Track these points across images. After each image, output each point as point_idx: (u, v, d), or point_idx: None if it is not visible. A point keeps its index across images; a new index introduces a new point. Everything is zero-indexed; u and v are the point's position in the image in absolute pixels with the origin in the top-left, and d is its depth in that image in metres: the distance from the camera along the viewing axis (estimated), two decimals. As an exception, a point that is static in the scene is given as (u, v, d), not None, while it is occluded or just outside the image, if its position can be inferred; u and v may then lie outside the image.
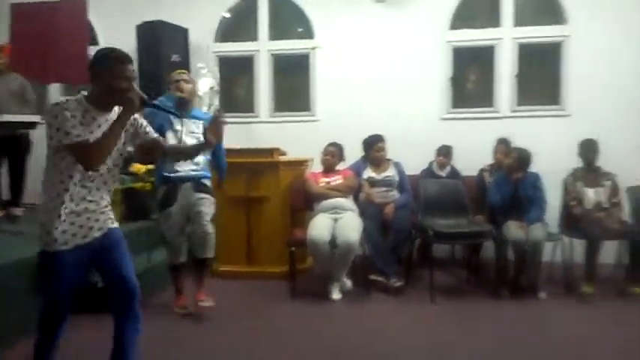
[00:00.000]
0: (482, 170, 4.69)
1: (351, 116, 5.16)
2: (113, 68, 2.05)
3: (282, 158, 4.60)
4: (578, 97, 4.96)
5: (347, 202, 4.10)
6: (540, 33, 5.09)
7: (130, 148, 2.27)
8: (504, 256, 3.97)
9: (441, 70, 5.24)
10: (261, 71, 5.60)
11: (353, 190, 4.23)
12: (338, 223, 3.91)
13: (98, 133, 2.05)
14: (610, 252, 4.16)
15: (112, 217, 2.23)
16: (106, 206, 2.19)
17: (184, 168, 3.41)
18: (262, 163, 4.48)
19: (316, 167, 4.52)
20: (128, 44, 5.17)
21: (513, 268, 3.97)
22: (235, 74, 5.84)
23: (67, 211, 2.05)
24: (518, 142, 4.43)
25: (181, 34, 5.36)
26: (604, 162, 4.21)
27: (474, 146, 4.85)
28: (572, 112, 4.98)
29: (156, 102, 2.30)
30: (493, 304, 3.77)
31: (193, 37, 5.42)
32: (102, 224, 2.16)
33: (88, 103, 2.07)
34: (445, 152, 4.79)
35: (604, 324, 3.40)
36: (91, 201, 2.11)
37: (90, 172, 2.06)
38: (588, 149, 4.17)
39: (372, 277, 4.06)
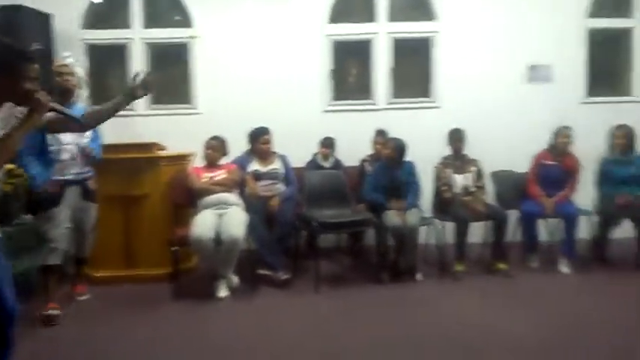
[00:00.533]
0: (363, 161, 4.87)
1: (234, 109, 5.08)
2: (19, 68, 1.81)
3: (162, 153, 4.40)
4: (446, 89, 5.32)
5: (231, 196, 4.04)
6: (413, 28, 5.37)
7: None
8: (384, 242, 4.16)
9: (321, 63, 5.32)
10: (135, 61, 5.28)
11: (237, 185, 4.17)
12: (222, 219, 3.83)
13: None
14: (478, 232, 4.54)
15: None
16: None
17: (71, 171, 3.40)
18: (141, 159, 4.23)
19: (199, 162, 4.39)
20: (-21, 30, 4.63)
21: (393, 253, 4.19)
22: (108, 64, 5.46)
23: None
24: (394, 132, 4.67)
25: (44, 19, 4.87)
26: (470, 149, 4.57)
27: (355, 137, 5.02)
28: (441, 103, 5.33)
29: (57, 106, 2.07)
30: (375, 289, 3.94)
31: (58, 24, 4.95)
32: None
33: None
34: (328, 144, 4.90)
35: (474, 299, 3.72)
36: None
37: None
38: (456, 138, 4.50)
39: (260, 271, 4.06)
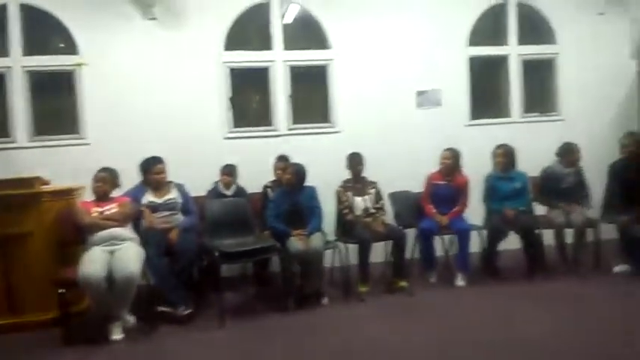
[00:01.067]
0: (265, 187, 4.84)
1: (128, 139, 4.88)
2: None
3: (46, 188, 4.06)
4: (344, 114, 5.48)
5: (124, 231, 3.79)
6: (308, 57, 5.50)
7: None
8: (289, 269, 4.13)
9: (220, 90, 5.27)
10: (15, 90, 4.90)
11: (130, 218, 3.94)
12: (115, 256, 3.59)
13: None
14: (380, 252, 4.66)
15: None
16: None
17: None
18: (21, 195, 3.87)
19: (88, 196, 4.10)
20: None
21: (298, 279, 4.16)
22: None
23: None
24: (296, 157, 4.70)
25: None
26: (369, 172, 4.71)
27: (257, 163, 4.99)
28: (340, 128, 5.47)
29: None
30: (280, 317, 3.88)
31: None
32: None
33: None
34: (229, 171, 4.81)
35: (378, 317, 3.79)
36: None
37: None
38: (354, 162, 4.62)
39: (159, 308, 3.84)
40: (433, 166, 4.78)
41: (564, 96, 5.88)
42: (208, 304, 4.07)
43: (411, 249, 4.62)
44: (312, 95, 5.73)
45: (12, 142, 4.89)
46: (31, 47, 4.97)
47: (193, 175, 4.62)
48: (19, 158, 4.78)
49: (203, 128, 5.17)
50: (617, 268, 4.51)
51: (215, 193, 4.75)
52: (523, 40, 5.84)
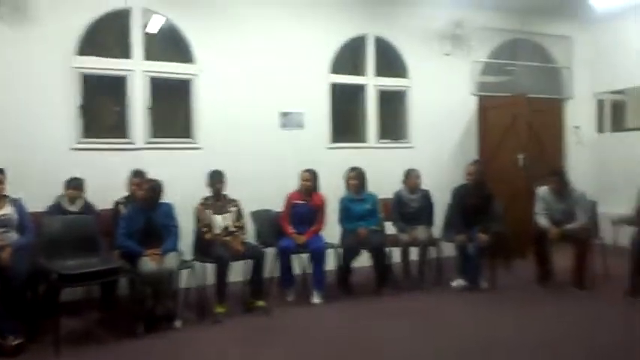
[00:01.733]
0: (117, 203, 4.54)
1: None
2: None
3: None
4: (208, 131, 5.36)
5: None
6: (170, 69, 5.32)
7: None
8: (139, 291, 3.89)
9: (68, 97, 4.85)
10: None
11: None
12: None
13: None
14: (239, 271, 4.59)
15: None
16: None
17: None
18: None
19: None
20: None
21: (150, 301, 3.94)
22: None
23: None
24: (153, 173, 4.49)
25: None
26: (230, 190, 4.66)
27: (109, 178, 4.68)
28: (203, 145, 5.35)
29: None
30: (128, 343, 3.63)
31: None
32: None
33: None
34: (75, 185, 4.40)
35: (233, 339, 3.73)
36: None
37: None
38: (215, 179, 4.55)
39: (-17, 339, 3.37)
40: (294, 186, 4.89)
41: (414, 125, 6.40)
42: (45, 332, 3.66)
43: (272, 267, 4.64)
44: (174, 109, 5.55)
45: None
46: None
47: (34, 188, 4.20)
48: None
49: (46, 138, 4.71)
50: (455, 283, 4.97)
51: (58, 209, 4.32)
52: (380, 72, 6.28)
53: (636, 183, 4.77)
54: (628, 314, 4.11)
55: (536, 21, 6.87)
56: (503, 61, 6.89)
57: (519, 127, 6.16)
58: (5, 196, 3.85)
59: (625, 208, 4.84)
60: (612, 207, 5.39)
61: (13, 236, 3.76)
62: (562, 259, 4.91)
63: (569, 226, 4.72)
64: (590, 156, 7.12)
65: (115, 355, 3.45)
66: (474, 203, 5.00)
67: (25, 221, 3.86)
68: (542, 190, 4.99)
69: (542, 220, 4.86)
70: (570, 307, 4.32)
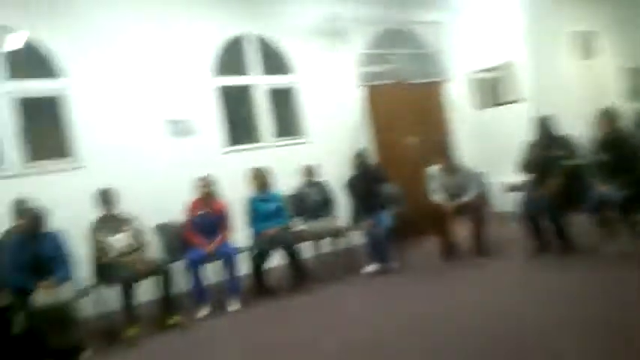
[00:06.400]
0: (4, 236, 4.07)
1: None
2: None
3: None
4: (90, 149, 4.98)
5: None
6: (37, 86, 4.90)
7: None
8: (36, 326, 3.52)
9: None
10: None
11: None
12: None
13: None
14: (148, 290, 4.32)
15: None
16: None
17: None
18: None
19: None
20: None
21: (50, 336, 3.57)
22: None
23: None
24: (35, 200, 4.10)
25: None
26: (126, 207, 4.40)
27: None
28: (86, 163, 4.95)
29: None
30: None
31: None
32: None
33: None
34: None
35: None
36: None
37: None
38: (104, 198, 4.29)
39: None
40: (193, 196, 4.72)
41: (308, 121, 6.46)
42: None
43: (184, 281, 4.44)
44: (49, 129, 5.10)
45: None
46: None
47: None
48: None
49: None
50: (367, 269, 5.07)
51: None
52: (268, 70, 6.26)
53: (516, 151, 5.11)
54: (529, 274, 4.39)
55: (410, 10, 7.23)
56: (383, 51, 7.16)
57: (404, 111, 6.47)
58: None
59: (511, 176, 5.22)
60: (499, 176, 5.81)
61: None
62: (462, 232, 5.20)
63: (462, 199, 5.02)
64: (471, 132, 7.64)
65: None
66: (367, 189, 5.15)
67: None
68: (432, 169, 5.27)
69: (437, 197, 5.12)
70: (474, 275, 4.57)
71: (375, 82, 6.94)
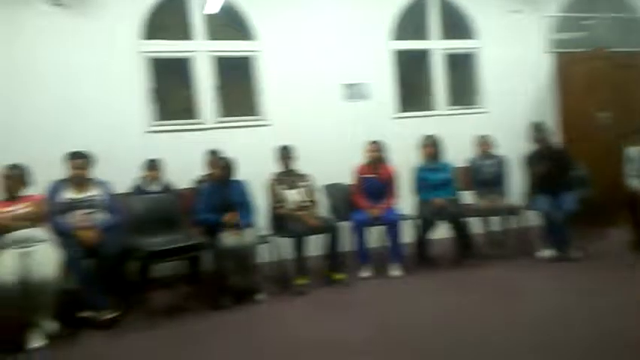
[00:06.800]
0: (197, 181, 4.62)
1: (43, 134, 4.46)
2: None
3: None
4: (274, 107, 5.35)
5: (38, 232, 3.46)
6: (233, 47, 5.33)
7: None
8: (222, 265, 3.96)
9: (139, 81, 4.97)
10: None
11: (44, 218, 3.60)
12: (29, 258, 3.26)
13: None
14: (316, 245, 4.56)
15: None
16: None
17: None
18: None
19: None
20: None
21: (232, 275, 4.00)
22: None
23: None
24: (223, 151, 4.54)
25: None
26: (302, 165, 4.64)
27: (184, 158, 4.79)
28: (270, 121, 5.35)
29: None
30: (216, 315, 3.70)
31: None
32: None
33: None
34: (153, 166, 4.54)
35: (315, 311, 3.73)
36: None
37: None
38: (284, 155, 4.55)
39: (81, 314, 3.54)
40: (361, 159, 4.78)
41: (485, 89, 6.11)
42: (138, 306, 3.81)
43: (348, 241, 4.59)
44: (240, 87, 5.55)
45: None
46: None
47: (113, 171, 4.30)
48: None
49: (123, 122, 4.85)
50: (542, 253, 4.70)
51: (138, 189, 4.48)
52: (445, 34, 6.01)
53: None
54: None
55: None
56: (578, 14, 6.41)
57: (599, 83, 5.75)
58: (91, 178, 4.00)
59: None
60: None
61: (101, 217, 3.91)
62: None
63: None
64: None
65: (203, 326, 3.52)
66: (549, 168, 4.70)
67: (112, 202, 4.01)
68: (633, 151, 4.63)
69: (635, 182, 4.52)
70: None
71: (568, 50, 6.26)
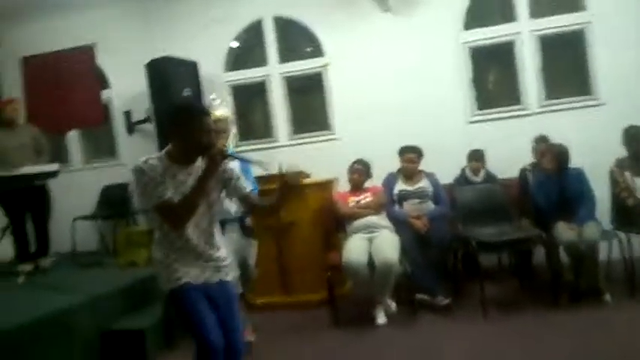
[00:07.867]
0: (523, 170, 4.42)
1: (373, 131, 4.97)
2: (195, 122, 2.01)
3: (307, 181, 4.37)
4: (611, 83, 4.67)
5: (380, 219, 3.87)
6: (559, 23, 4.86)
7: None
8: (557, 261, 3.67)
9: (460, 73, 5.03)
10: (274, 95, 5.46)
11: (384, 207, 3.99)
12: (374, 243, 3.68)
13: (182, 190, 2.00)
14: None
15: (227, 269, 2.21)
16: (220, 258, 2.16)
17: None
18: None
19: (343, 187, 4.30)
20: (139, 84, 5.11)
21: (571, 272, 3.65)
22: (249, 101, 5.73)
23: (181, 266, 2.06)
24: (552, 137, 4.20)
25: (191, 67, 5.23)
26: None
27: (505, 147, 4.66)
28: (606, 100, 4.69)
29: (235, 153, 2.21)
30: (552, 313, 3.45)
31: (203, 70, 5.30)
32: (216, 274, 2.15)
33: (168, 160, 2.04)
34: (477, 156, 4.52)
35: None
36: (201, 255, 2.10)
37: (190, 230, 2.04)
38: (634, 137, 3.88)
39: (418, 296, 3.80)
40: None
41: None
42: (466, 295, 3.88)
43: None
44: (565, 65, 5.08)
45: (275, 142, 5.45)
46: (284, 55, 5.46)
47: (438, 162, 4.45)
48: (281, 155, 5.27)
49: (446, 114, 4.98)
50: None
51: (463, 179, 4.54)
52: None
53: None
54: None
55: None
56: None
57: None
58: (421, 171, 4.25)
59: None
60: None
61: (429, 207, 4.11)
62: None
63: None
64: None
65: (540, 322, 3.33)
66: None
67: (440, 193, 4.18)
68: None
69: None
70: None
71: None
